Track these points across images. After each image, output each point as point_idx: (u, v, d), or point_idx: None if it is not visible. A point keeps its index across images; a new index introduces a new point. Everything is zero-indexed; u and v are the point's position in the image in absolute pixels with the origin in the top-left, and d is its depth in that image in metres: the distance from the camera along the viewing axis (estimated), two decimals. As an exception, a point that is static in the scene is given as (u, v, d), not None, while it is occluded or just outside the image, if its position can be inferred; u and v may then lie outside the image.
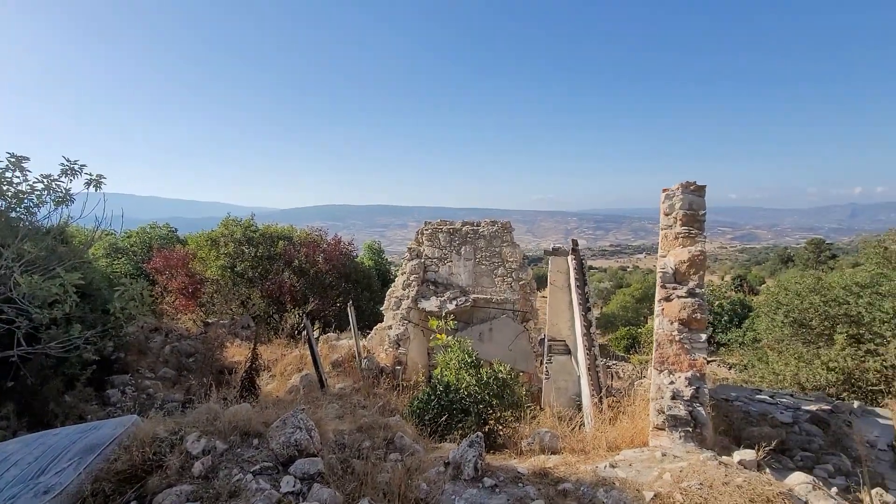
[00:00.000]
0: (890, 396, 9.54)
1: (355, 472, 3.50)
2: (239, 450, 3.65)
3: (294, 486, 3.27)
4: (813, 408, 5.78)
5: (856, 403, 6.39)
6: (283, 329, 12.07)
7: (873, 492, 3.41)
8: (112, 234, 16.30)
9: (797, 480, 3.08)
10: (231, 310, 13.45)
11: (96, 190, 4.83)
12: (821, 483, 3.16)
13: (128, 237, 17.36)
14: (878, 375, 9.92)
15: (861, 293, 11.05)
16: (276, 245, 14.18)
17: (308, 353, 8.54)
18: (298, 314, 12.94)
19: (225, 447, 3.63)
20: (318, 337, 12.08)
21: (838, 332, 10.97)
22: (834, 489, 3.43)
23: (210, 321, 12.09)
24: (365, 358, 9.22)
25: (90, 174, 4.78)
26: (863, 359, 10.21)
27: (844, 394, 10.07)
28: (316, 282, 14.15)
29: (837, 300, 11.37)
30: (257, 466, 3.44)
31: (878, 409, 6.24)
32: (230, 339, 11.15)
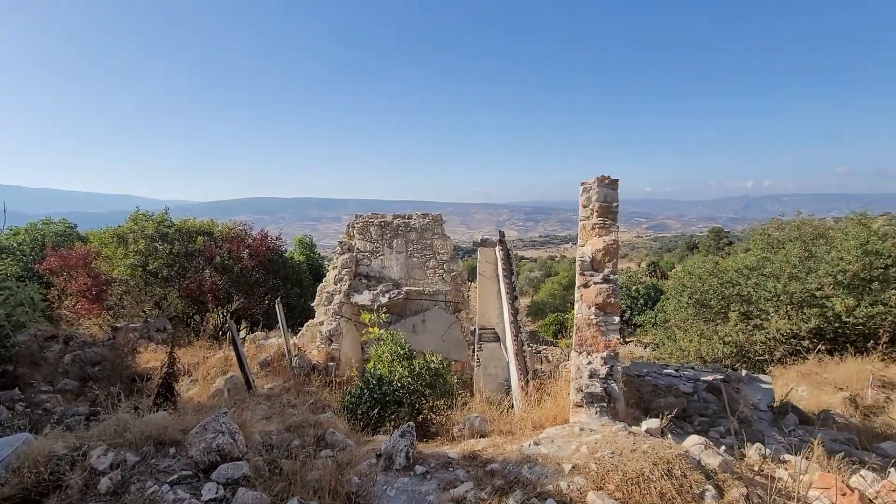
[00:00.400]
0: (773, 364, 10.98)
1: (284, 472, 3.42)
2: (153, 461, 3.41)
3: (217, 493, 3.13)
4: (710, 378, 6.51)
5: (744, 372, 7.28)
6: (204, 330, 11.31)
7: (753, 447, 3.93)
8: (-7, 230, 14.28)
9: (692, 442, 3.48)
10: (144, 312, 12.37)
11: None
12: (712, 443, 3.59)
13: (14, 234, 15.27)
14: (764, 346, 11.37)
15: (749, 275, 12.56)
16: (194, 241, 13.21)
17: (233, 354, 8.10)
18: (222, 314, 12.20)
19: (137, 459, 3.38)
20: (245, 337, 11.49)
21: (732, 311, 12.40)
22: (723, 447, 3.91)
23: (119, 325, 11.03)
24: (295, 356, 8.93)
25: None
26: (751, 333, 11.64)
27: (738, 364, 11.43)
28: (241, 279, 13.39)
29: (731, 282, 12.84)
30: (175, 476, 3.24)
31: (761, 376, 7.16)
32: (143, 343, 10.27)
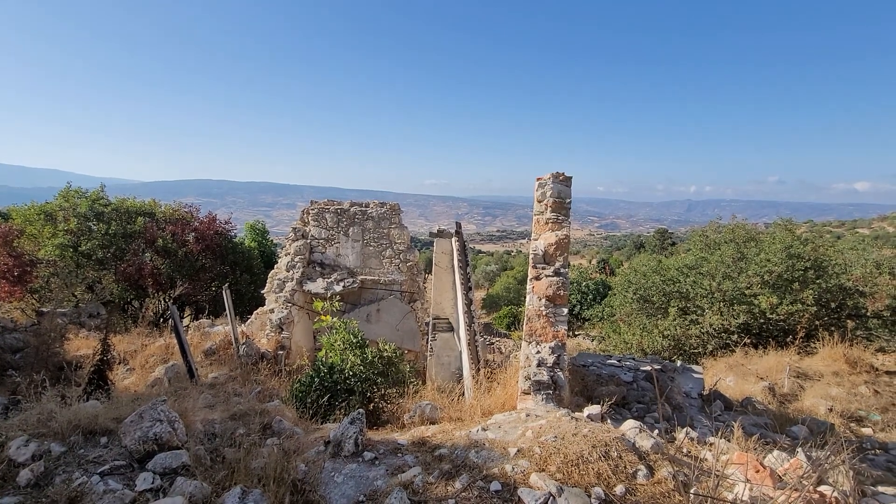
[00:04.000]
0: (706, 356, 11.81)
1: (227, 460, 3.32)
2: (82, 451, 3.21)
3: (153, 483, 2.99)
4: (648, 368, 6.91)
5: (679, 363, 7.78)
6: (144, 317, 10.69)
7: (683, 430, 4.23)
8: None
9: (628, 426, 3.69)
10: (74, 296, 11.52)
11: None
12: (646, 427, 3.83)
13: (-80, 208, 13.73)
14: (698, 340, 12.20)
15: (689, 273, 13.39)
16: (134, 221, 12.40)
17: (175, 341, 7.72)
18: (164, 300, 11.58)
19: (63, 450, 3.17)
20: (189, 324, 10.97)
21: (672, 306, 13.19)
22: (656, 431, 4.18)
23: (45, 310, 10.21)
24: (243, 344, 8.64)
25: None
26: (688, 327, 12.45)
27: (675, 356, 12.20)
28: (185, 264, 12.73)
29: (672, 280, 13.64)
30: (106, 467, 3.07)
31: (694, 367, 7.68)
32: (74, 329, 9.58)
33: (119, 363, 8.14)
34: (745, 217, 16.01)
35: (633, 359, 7.84)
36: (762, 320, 11.47)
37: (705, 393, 6.79)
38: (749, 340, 11.25)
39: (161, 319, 12.07)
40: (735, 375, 9.31)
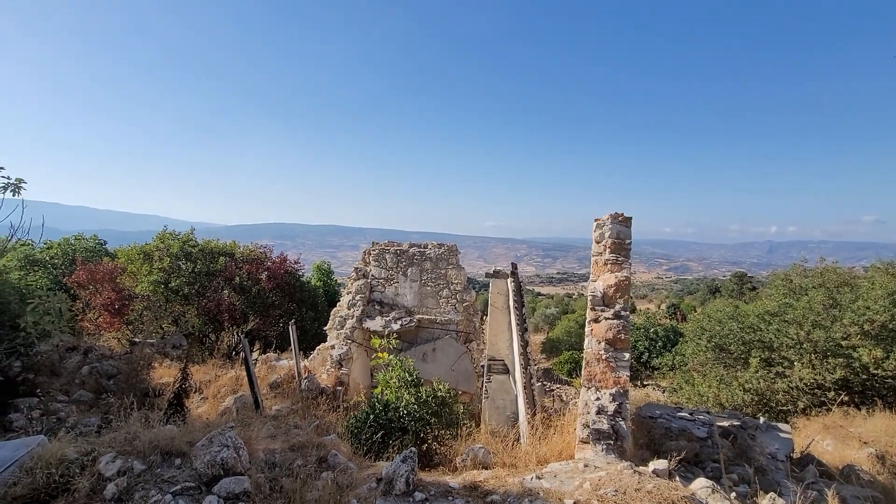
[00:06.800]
0: (796, 415, 10.50)
1: (284, 490, 3.43)
2: (159, 470, 3.47)
3: (217, 506, 3.16)
4: (725, 423, 6.29)
5: (762, 419, 7.00)
6: (218, 349, 11.47)
7: (767, 496, 3.78)
8: (29, 244, 14.95)
9: (699, 486, 3.37)
10: (161, 328, 12.65)
11: (14, 195, 4.52)
12: (721, 489, 3.47)
13: (47, 248, 15.97)
14: (786, 396, 10.90)
15: (771, 321, 12.20)
16: (216, 261, 13.60)
17: (245, 374, 8.19)
18: (237, 333, 12.39)
19: (143, 467, 3.45)
20: (257, 357, 11.60)
21: (752, 357, 11.99)
22: (734, 494, 3.77)
23: (137, 340, 11.29)
24: (305, 378, 8.97)
25: (7, 178, 4.46)
26: (773, 380, 11.20)
27: (760, 412, 10.95)
28: (257, 300, 13.64)
29: (752, 327, 12.47)
30: (178, 487, 3.29)
31: (780, 425, 6.86)
32: (159, 358, 10.47)
33: (195, 391, 8.74)
34: (835, 260, 14.51)
35: (708, 412, 7.17)
36: (864, 376, 10.08)
37: (795, 456, 6.02)
38: (850, 399, 9.89)
39: (233, 352, 12.89)
40: (833, 438, 8.17)
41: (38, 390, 7.88)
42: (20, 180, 4.48)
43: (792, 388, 10.73)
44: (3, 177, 4.53)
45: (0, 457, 3.39)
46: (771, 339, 11.83)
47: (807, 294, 12.58)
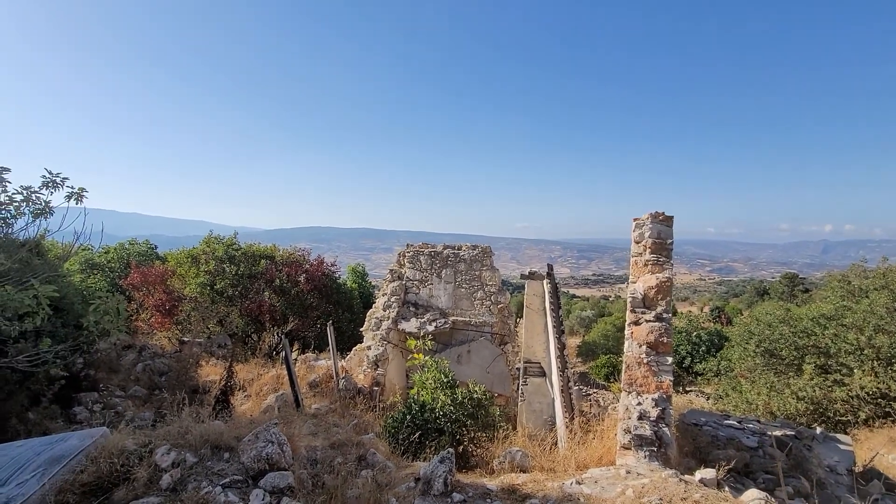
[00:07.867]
0: (857, 426, 9.81)
1: (326, 486, 3.52)
2: (209, 463, 3.64)
3: (263, 500, 3.28)
4: (778, 433, 5.96)
5: (818, 429, 6.59)
6: (260, 349, 11.90)
7: (826, 511, 3.55)
8: (89, 249, 16.03)
9: (751, 497, 3.21)
10: (208, 328, 13.24)
11: (77, 203, 4.81)
12: (773, 500, 3.29)
13: (105, 253, 17.08)
14: (846, 405, 10.21)
15: (827, 325, 11.46)
16: (257, 264, 14.12)
17: (285, 373, 8.46)
18: (277, 334, 12.81)
19: (195, 460, 3.62)
20: (297, 357, 11.94)
21: (807, 363, 11.30)
22: (789, 508, 3.57)
23: (186, 339, 11.87)
24: (343, 378, 9.16)
25: (71, 187, 4.76)
26: (830, 388, 10.51)
27: (815, 422, 10.30)
28: (296, 302, 14.06)
29: (806, 331, 11.76)
30: (227, 479, 3.43)
31: (839, 437, 6.44)
32: (205, 357, 10.96)
33: (239, 389, 9.09)
34: (900, 259, 13.49)
35: (758, 421, 6.82)
36: (935, 385, 9.32)
37: (858, 470, 5.63)
38: (918, 410, 9.16)
39: (274, 352, 13.33)
40: (900, 452, 7.59)
41: (100, 385, 8.42)
42: (82, 189, 4.78)
43: (852, 398, 10.03)
44: (67, 186, 4.85)
45: (69, 445, 3.65)
46: (827, 344, 11.12)
47: (867, 296, 11.73)
